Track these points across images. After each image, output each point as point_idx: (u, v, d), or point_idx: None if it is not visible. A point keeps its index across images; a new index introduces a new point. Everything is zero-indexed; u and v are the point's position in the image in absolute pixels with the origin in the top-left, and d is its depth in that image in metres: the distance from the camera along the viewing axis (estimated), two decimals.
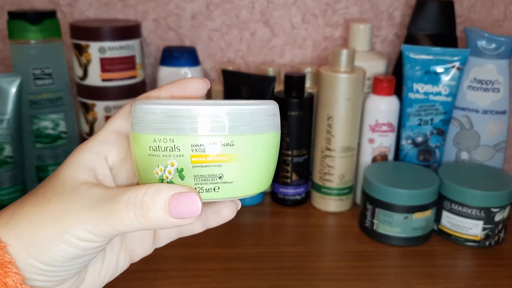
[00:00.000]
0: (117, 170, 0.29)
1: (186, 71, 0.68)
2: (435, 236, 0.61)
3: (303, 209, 0.68)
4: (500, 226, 0.58)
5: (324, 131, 0.64)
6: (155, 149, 0.25)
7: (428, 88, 0.64)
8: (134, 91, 0.68)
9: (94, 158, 0.28)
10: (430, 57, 0.64)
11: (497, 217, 0.57)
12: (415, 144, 0.66)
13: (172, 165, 0.25)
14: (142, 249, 0.31)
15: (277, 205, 0.68)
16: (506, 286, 0.52)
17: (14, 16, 0.59)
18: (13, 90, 0.58)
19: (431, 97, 0.65)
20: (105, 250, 0.30)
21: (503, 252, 0.58)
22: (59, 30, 0.63)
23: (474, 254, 0.57)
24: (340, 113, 0.62)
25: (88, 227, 0.24)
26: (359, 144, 0.67)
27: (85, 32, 0.64)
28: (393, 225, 0.58)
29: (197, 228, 0.31)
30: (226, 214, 0.30)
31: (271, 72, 0.71)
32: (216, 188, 0.25)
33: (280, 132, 0.27)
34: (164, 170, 0.25)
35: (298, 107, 0.64)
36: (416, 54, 0.64)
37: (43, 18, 0.60)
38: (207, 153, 0.24)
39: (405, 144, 0.67)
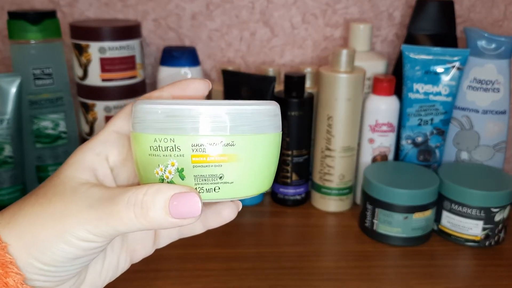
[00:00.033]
0: (118, 171, 0.29)
1: (186, 71, 0.68)
2: (435, 236, 0.61)
3: (303, 209, 0.68)
4: (500, 226, 0.58)
5: (324, 131, 0.64)
6: (156, 149, 0.25)
7: (428, 88, 0.64)
8: (134, 91, 0.68)
9: (95, 158, 0.28)
10: (430, 57, 0.64)
11: (497, 217, 0.57)
12: (415, 144, 0.66)
13: (173, 165, 0.25)
14: (143, 250, 0.31)
15: (277, 205, 0.68)
16: (506, 286, 0.52)
17: (14, 16, 0.59)
18: (13, 90, 0.58)
19: (431, 97, 0.65)
20: (106, 250, 0.30)
21: (503, 252, 0.58)
22: (59, 30, 0.63)
23: (474, 254, 0.57)
24: (340, 113, 0.62)
25: (88, 227, 0.24)
26: (359, 144, 0.67)
27: (85, 32, 0.64)
28: (393, 225, 0.58)
29: (198, 229, 0.31)
30: (227, 215, 0.30)
31: (271, 72, 0.71)
32: (217, 188, 0.25)
33: (281, 132, 0.27)
34: (165, 170, 0.25)
35: (298, 107, 0.64)
36: (416, 54, 0.64)
37: (43, 18, 0.60)
38: (207, 153, 0.24)
39: (405, 144, 0.67)
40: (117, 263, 0.30)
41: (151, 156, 0.25)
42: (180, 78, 0.67)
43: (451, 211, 0.59)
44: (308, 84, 0.70)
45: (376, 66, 0.69)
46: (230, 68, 0.70)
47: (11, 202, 0.59)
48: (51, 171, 0.65)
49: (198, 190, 0.25)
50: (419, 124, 0.66)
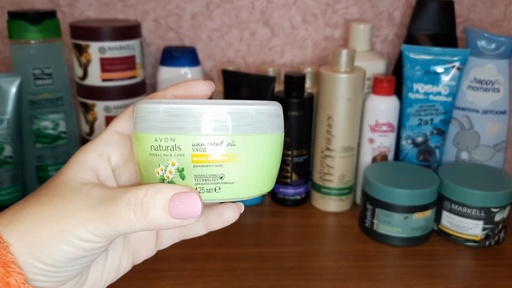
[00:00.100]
0: (119, 171, 0.29)
1: (186, 71, 0.68)
2: (435, 236, 0.61)
3: (303, 209, 0.68)
4: (500, 226, 0.58)
5: (324, 131, 0.64)
6: (156, 149, 0.25)
7: (428, 88, 0.64)
8: (134, 91, 0.68)
9: (96, 159, 0.28)
10: (430, 57, 0.64)
11: (497, 217, 0.57)
12: (415, 144, 0.66)
13: (173, 165, 0.25)
14: (145, 251, 0.31)
15: (277, 205, 0.68)
16: (506, 286, 0.52)
17: (14, 16, 0.59)
18: (13, 90, 0.58)
19: (431, 97, 0.65)
20: (108, 250, 0.30)
21: (503, 252, 0.58)
22: (59, 30, 0.62)
23: (474, 254, 0.57)
24: (340, 113, 0.62)
25: (89, 228, 0.24)
26: (359, 144, 0.67)
27: (85, 32, 0.64)
28: (393, 225, 0.58)
29: (200, 230, 0.31)
30: (229, 216, 0.30)
31: (271, 72, 0.71)
32: (217, 188, 0.25)
33: (283, 133, 0.27)
34: (165, 170, 0.25)
35: (298, 107, 0.64)
36: (416, 54, 0.64)
37: (43, 18, 0.60)
38: (208, 153, 0.24)
39: (405, 144, 0.67)
40: (119, 264, 0.30)
41: (151, 156, 0.25)
42: (180, 78, 0.67)
43: (451, 211, 0.59)
44: (308, 84, 0.70)
45: (376, 66, 0.69)
46: (230, 68, 0.70)
47: (11, 202, 0.60)
48: (51, 171, 0.65)
49: (198, 190, 0.25)
50: (419, 124, 0.66)
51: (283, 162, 0.66)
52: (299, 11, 0.76)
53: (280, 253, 0.56)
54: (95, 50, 0.64)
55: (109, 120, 0.67)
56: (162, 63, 0.68)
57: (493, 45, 0.63)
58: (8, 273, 0.23)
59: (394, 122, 0.65)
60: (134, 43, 0.66)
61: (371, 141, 0.66)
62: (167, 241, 0.32)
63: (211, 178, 0.25)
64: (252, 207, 0.67)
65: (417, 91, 0.65)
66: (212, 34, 0.76)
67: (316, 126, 0.66)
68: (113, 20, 0.71)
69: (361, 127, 0.66)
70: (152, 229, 0.25)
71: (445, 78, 0.64)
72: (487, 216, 0.57)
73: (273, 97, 0.65)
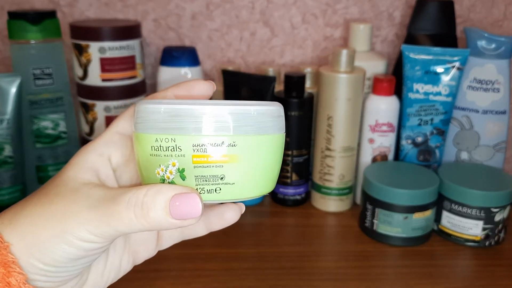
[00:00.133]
0: (120, 171, 0.29)
1: (186, 71, 0.68)
2: (435, 236, 0.61)
3: (303, 209, 0.68)
4: (500, 226, 0.58)
5: (324, 131, 0.64)
6: (157, 149, 0.25)
7: (428, 88, 0.64)
8: (134, 91, 0.68)
9: (97, 159, 0.28)
10: (430, 57, 0.64)
11: (497, 217, 0.57)
12: (415, 144, 0.66)
13: (174, 165, 0.25)
14: (145, 251, 0.31)
15: (277, 205, 0.68)
16: (506, 286, 0.52)
17: (14, 16, 0.59)
18: (13, 90, 0.58)
19: (431, 97, 0.65)
20: (108, 251, 0.30)
21: (503, 252, 0.58)
22: (59, 30, 0.62)
23: (474, 254, 0.57)
24: (340, 113, 0.63)
25: (89, 228, 0.24)
26: (359, 144, 0.67)
27: (85, 32, 0.64)
28: (393, 225, 0.58)
29: (201, 231, 0.31)
30: (230, 217, 0.30)
31: (271, 72, 0.71)
32: (218, 189, 0.25)
33: (284, 134, 0.27)
34: (166, 170, 0.25)
35: (298, 107, 0.64)
36: (416, 54, 0.64)
37: (43, 18, 0.60)
38: (208, 153, 0.24)
39: (405, 144, 0.67)
40: (119, 264, 0.30)
41: (152, 156, 0.25)
42: (180, 78, 0.67)
43: (451, 211, 0.59)
44: (308, 84, 0.70)
45: (376, 66, 0.69)
46: (230, 68, 0.70)
47: (11, 202, 0.60)
48: (51, 171, 0.65)
49: (199, 190, 0.25)
50: (419, 124, 0.66)
51: (283, 162, 0.66)
52: (299, 11, 0.76)
53: (280, 253, 0.56)
54: (95, 50, 0.64)
55: (109, 120, 0.67)
56: (162, 63, 0.68)
57: (493, 45, 0.63)
58: (9, 273, 0.23)
59: (394, 122, 0.65)
60: (134, 43, 0.66)
61: (371, 141, 0.66)
62: (167, 242, 0.32)
63: (211, 179, 0.25)
64: (252, 207, 0.67)
65: (417, 91, 0.65)
66: (212, 34, 0.76)
67: (316, 126, 0.66)
68: (113, 20, 0.71)
69: (361, 127, 0.66)
70: (153, 230, 0.25)
71: (445, 78, 0.64)
72: (487, 216, 0.57)
73: (273, 97, 0.65)
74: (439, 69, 0.64)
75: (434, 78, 0.64)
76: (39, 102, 0.62)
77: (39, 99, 0.62)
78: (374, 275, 0.53)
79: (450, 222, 0.59)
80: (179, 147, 0.24)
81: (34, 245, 0.24)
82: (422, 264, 0.55)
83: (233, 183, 0.25)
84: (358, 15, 0.76)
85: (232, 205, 0.30)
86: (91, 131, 0.69)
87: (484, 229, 0.57)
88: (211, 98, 0.31)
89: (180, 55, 0.67)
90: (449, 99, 0.64)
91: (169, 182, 0.25)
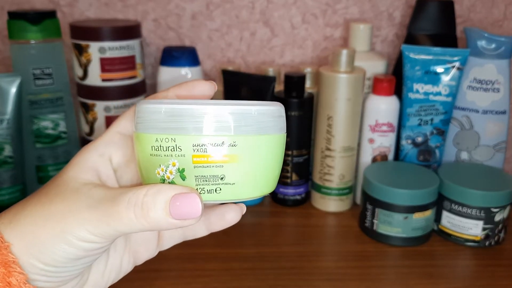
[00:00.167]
0: (121, 171, 0.29)
1: (186, 71, 0.68)
2: (435, 236, 0.61)
3: (303, 209, 0.68)
4: (500, 226, 0.58)
5: (324, 131, 0.64)
6: (157, 149, 0.25)
7: (428, 88, 0.64)
8: (134, 91, 0.68)
9: (98, 159, 0.28)
10: (430, 57, 0.64)
11: (497, 217, 0.57)
12: (415, 144, 0.66)
13: (174, 165, 0.25)
14: (146, 252, 0.31)
15: (277, 205, 0.68)
16: (506, 286, 0.52)
17: (14, 16, 0.59)
18: (13, 90, 0.58)
19: (431, 97, 0.65)
20: (109, 251, 0.30)
21: (503, 252, 0.58)
22: (59, 30, 0.62)
23: (474, 254, 0.57)
24: (340, 113, 0.63)
25: (89, 228, 0.24)
26: (359, 144, 0.67)
27: (85, 32, 0.64)
28: (393, 225, 0.58)
29: (201, 231, 0.31)
30: (231, 218, 0.30)
31: (271, 72, 0.71)
32: (218, 189, 0.25)
33: (285, 134, 0.27)
34: (166, 170, 0.25)
35: (298, 107, 0.64)
36: (416, 54, 0.64)
37: (43, 18, 0.60)
38: (208, 153, 0.24)
39: (405, 144, 0.67)
40: (120, 265, 0.30)
41: (152, 156, 0.25)
42: (180, 78, 0.67)
43: (451, 211, 0.59)
44: (308, 84, 0.70)
45: (376, 66, 0.69)
46: (230, 68, 0.70)
47: (11, 202, 0.60)
48: (51, 171, 0.65)
49: (199, 191, 0.25)
50: (419, 124, 0.66)
51: (283, 162, 0.66)
52: (299, 11, 0.76)
53: (280, 253, 0.56)
54: (95, 50, 0.64)
55: (109, 120, 0.67)
56: (162, 63, 0.68)
57: (493, 45, 0.63)
58: (9, 273, 0.23)
59: (394, 122, 0.65)
60: (134, 43, 0.66)
61: (371, 141, 0.66)
62: (168, 242, 0.32)
63: (211, 179, 0.25)
64: (252, 207, 0.67)
65: (417, 91, 0.65)
66: (212, 34, 0.76)
67: (316, 126, 0.66)
68: (113, 20, 0.71)
69: (361, 127, 0.66)
70: (153, 230, 0.25)
71: (445, 78, 0.64)
72: (487, 216, 0.57)
73: (273, 97, 0.65)
74: (439, 69, 0.64)
75: (434, 78, 0.64)
76: (39, 102, 0.62)
77: (39, 99, 0.62)
78: (374, 275, 0.53)
79: (450, 222, 0.59)
80: (179, 147, 0.24)
81: (34, 245, 0.24)
82: (422, 264, 0.55)
83: (233, 183, 0.25)
84: (358, 15, 0.76)
85: (233, 205, 0.30)
86: (91, 131, 0.69)
87: (484, 229, 0.57)
88: (211, 98, 0.31)
89: (180, 55, 0.67)
90: (449, 99, 0.64)
91: (169, 182, 0.25)
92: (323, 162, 0.66)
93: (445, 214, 0.59)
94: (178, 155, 0.24)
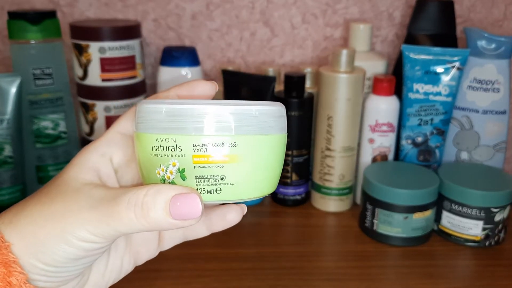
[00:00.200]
0: (122, 172, 0.29)
1: (186, 71, 0.68)
2: (435, 236, 0.61)
3: (303, 209, 0.68)
4: (500, 226, 0.58)
5: (324, 131, 0.64)
6: (157, 149, 0.25)
7: (428, 88, 0.64)
8: (134, 91, 0.68)
9: (99, 159, 0.28)
10: (430, 57, 0.64)
11: (497, 217, 0.57)
12: (415, 144, 0.66)
13: (174, 165, 0.25)
14: (146, 252, 0.31)
15: (277, 205, 0.68)
16: (506, 286, 0.52)
17: (14, 16, 0.59)
18: (13, 90, 0.58)
19: (431, 97, 0.65)
20: (110, 251, 0.30)
21: (503, 252, 0.58)
22: (59, 30, 0.62)
23: (474, 254, 0.57)
24: (340, 113, 0.63)
25: (89, 228, 0.24)
26: (359, 144, 0.67)
27: (85, 32, 0.64)
28: (393, 225, 0.58)
29: (202, 232, 0.31)
30: (232, 218, 0.30)
31: (271, 72, 0.71)
32: (218, 189, 0.25)
33: (286, 134, 0.27)
34: (166, 170, 0.25)
35: (298, 107, 0.64)
36: (416, 54, 0.64)
37: (43, 18, 0.60)
38: (209, 153, 0.24)
39: (405, 144, 0.67)
40: (120, 265, 0.30)
41: (153, 156, 0.25)
42: (180, 78, 0.67)
43: (451, 211, 0.59)
44: (308, 84, 0.70)
45: (376, 66, 0.69)
46: (230, 68, 0.70)
47: (11, 202, 0.60)
48: (51, 171, 0.65)
49: (199, 191, 0.25)
50: (419, 124, 0.66)
51: (283, 162, 0.66)
52: (299, 11, 0.76)
53: (280, 253, 0.56)
54: (95, 50, 0.64)
55: (109, 120, 0.67)
56: (162, 63, 0.68)
57: (493, 45, 0.63)
58: (10, 273, 0.23)
59: (394, 122, 0.65)
60: (134, 43, 0.66)
61: (371, 141, 0.66)
62: (169, 243, 0.32)
63: (212, 179, 0.25)
64: (252, 207, 0.67)
65: (417, 91, 0.65)
66: (212, 34, 0.76)
67: (316, 126, 0.66)
68: (113, 20, 0.71)
69: (361, 127, 0.66)
70: (153, 230, 0.25)
71: (445, 78, 0.64)
72: (487, 216, 0.57)
73: (273, 97, 0.65)
74: (439, 69, 0.64)
75: (434, 78, 0.64)
76: (39, 102, 0.62)
77: (39, 99, 0.62)
78: (374, 275, 0.53)
79: (450, 222, 0.59)
80: (180, 147, 0.24)
81: (34, 245, 0.24)
82: (422, 264, 0.55)
83: (234, 184, 0.25)
84: (358, 15, 0.76)
85: (234, 206, 0.30)
86: (91, 131, 0.69)
87: (484, 229, 0.57)
88: (212, 99, 0.31)
89: (180, 55, 0.67)
90: (449, 99, 0.64)
91: (169, 182, 0.25)
92: (323, 162, 0.66)
93: (445, 214, 0.59)
94: (179, 155, 0.24)
